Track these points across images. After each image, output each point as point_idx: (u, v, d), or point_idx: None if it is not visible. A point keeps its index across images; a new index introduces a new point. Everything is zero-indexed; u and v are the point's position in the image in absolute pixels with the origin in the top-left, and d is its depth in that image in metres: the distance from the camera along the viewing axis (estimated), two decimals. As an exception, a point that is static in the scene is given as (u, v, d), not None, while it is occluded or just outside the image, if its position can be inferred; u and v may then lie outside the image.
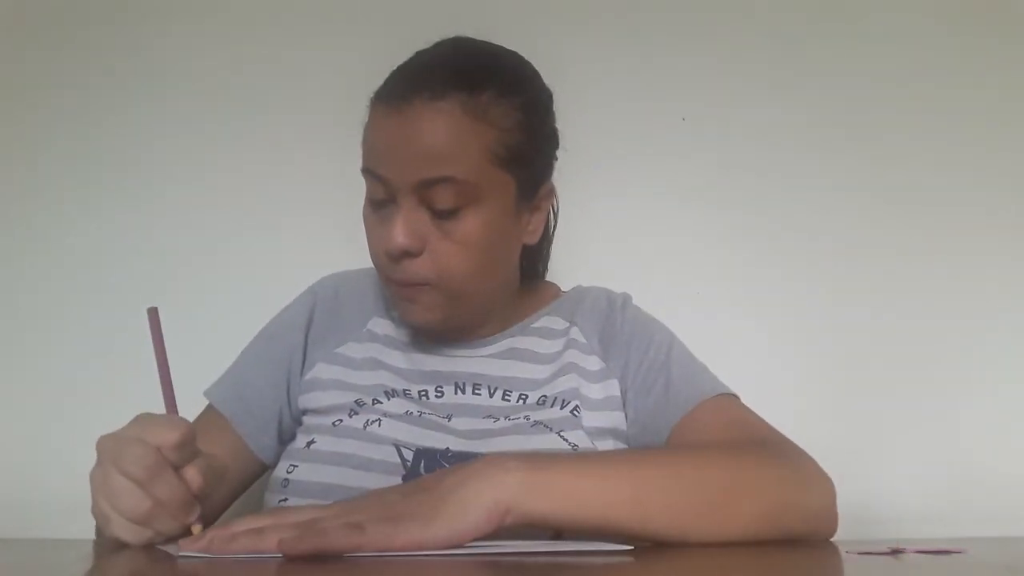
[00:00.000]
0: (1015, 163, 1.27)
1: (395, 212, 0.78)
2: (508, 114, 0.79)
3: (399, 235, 0.77)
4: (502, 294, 0.88)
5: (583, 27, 1.28)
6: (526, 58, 0.86)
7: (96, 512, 0.62)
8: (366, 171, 0.80)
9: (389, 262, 0.79)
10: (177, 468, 0.62)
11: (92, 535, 0.84)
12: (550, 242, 0.98)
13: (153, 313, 0.66)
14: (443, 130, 0.76)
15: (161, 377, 0.66)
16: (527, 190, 0.83)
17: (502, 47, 0.85)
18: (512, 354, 0.88)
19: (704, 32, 1.28)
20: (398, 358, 0.88)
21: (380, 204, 0.80)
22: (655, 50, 1.27)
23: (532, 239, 0.87)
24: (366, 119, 0.82)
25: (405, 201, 0.78)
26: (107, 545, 0.64)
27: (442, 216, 0.78)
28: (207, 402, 0.88)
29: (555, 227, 0.97)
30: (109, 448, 0.62)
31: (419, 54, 0.83)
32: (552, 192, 0.88)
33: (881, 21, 1.29)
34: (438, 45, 0.83)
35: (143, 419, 0.64)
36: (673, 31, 1.28)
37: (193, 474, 0.62)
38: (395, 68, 0.82)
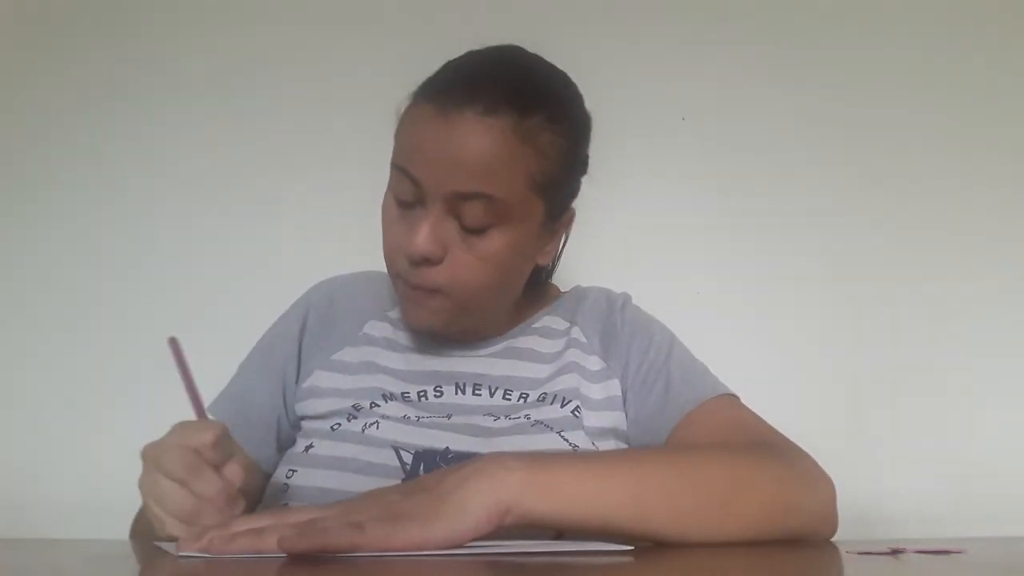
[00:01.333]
0: (1015, 166, 1.27)
1: (422, 216, 0.77)
2: (554, 141, 0.78)
3: (424, 242, 0.76)
4: (507, 305, 0.88)
5: (583, 27, 1.28)
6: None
7: (150, 516, 0.63)
8: (399, 169, 0.78)
9: (405, 263, 0.79)
10: (217, 466, 0.63)
11: (91, 535, 0.84)
12: (558, 259, 0.97)
13: (174, 343, 0.68)
14: (489, 148, 0.74)
15: (191, 399, 0.68)
16: (553, 214, 0.83)
17: (554, 66, 0.83)
18: (513, 353, 0.88)
19: (704, 32, 1.28)
20: (396, 360, 0.88)
21: (406, 204, 0.79)
22: (655, 50, 1.28)
23: (545, 260, 0.87)
24: (402, 109, 0.80)
25: (434, 207, 0.76)
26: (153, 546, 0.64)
27: (468, 230, 0.77)
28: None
29: (564, 244, 0.96)
30: (152, 455, 0.64)
31: (473, 57, 0.81)
32: (572, 217, 0.87)
33: (883, 20, 1.29)
34: (494, 52, 0.81)
35: (180, 426, 0.66)
36: (673, 31, 1.28)
37: (235, 470, 0.64)
38: (446, 66, 0.81)
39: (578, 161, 0.84)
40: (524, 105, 0.76)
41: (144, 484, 0.64)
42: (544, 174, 0.78)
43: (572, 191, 0.85)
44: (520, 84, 0.77)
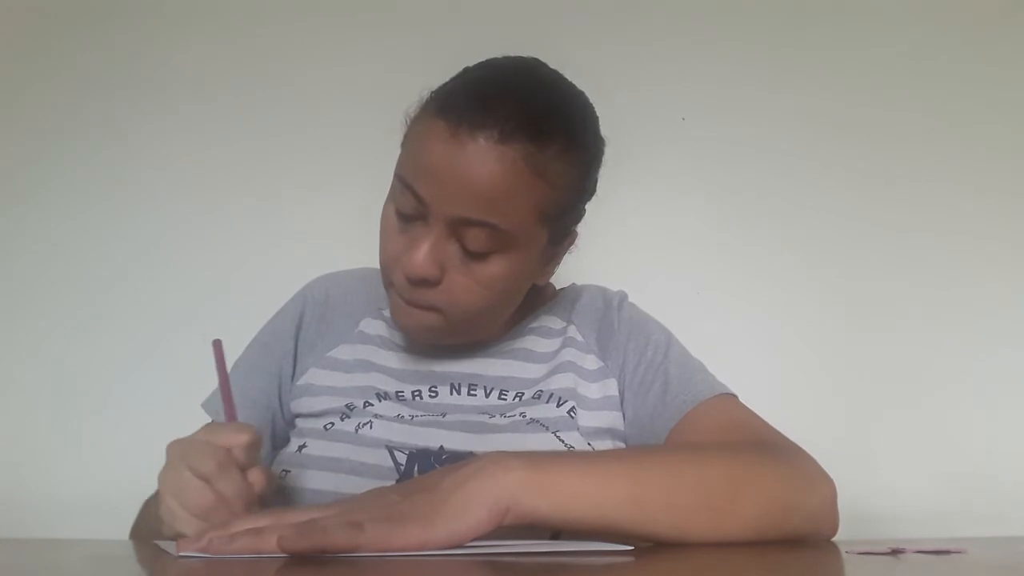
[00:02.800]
0: (1016, 166, 1.27)
1: (423, 234, 0.75)
2: (566, 172, 0.76)
3: (423, 263, 0.75)
4: (501, 321, 0.88)
5: (583, 27, 1.28)
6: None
7: (163, 511, 0.64)
8: (404, 183, 0.76)
9: (402, 278, 0.77)
10: (244, 469, 0.64)
11: (91, 535, 0.84)
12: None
13: (217, 345, 0.69)
14: (500, 178, 0.72)
15: (224, 401, 0.69)
16: (556, 240, 0.82)
17: (572, 86, 0.81)
18: (509, 354, 0.88)
19: (704, 32, 1.28)
20: (391, 358, 0.88)
21: (407, 217, 0.77)
22: (655, 50, 1.28)
23: (542, 281, 0.87)
24: (412, 113, 0.79)
25: (437, 227, 0.75)
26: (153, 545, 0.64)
27: (469, 253, 0.76)
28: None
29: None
30: (179, 450, 0.64)
31: (491, 73, 0.78)
32: (574, 239, 0.86)
33: (884, 22, 1.29)
34: (513, 68, 0.79)
35: (213, 425, 0.67)
36: (674, 31, 1.28)
37: (257, 475, 0.65)
38: (462, 79, 0.78)
39: (587, 189, 0.83)
40: (539, 134, 0.73)
41: (166, 478, 0.64)
42: (553, 205, 0.77)
43: (577, 217, 0.84)
44: (537, 110, 0.75)
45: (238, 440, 0.64)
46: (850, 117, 1.27)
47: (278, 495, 0.80)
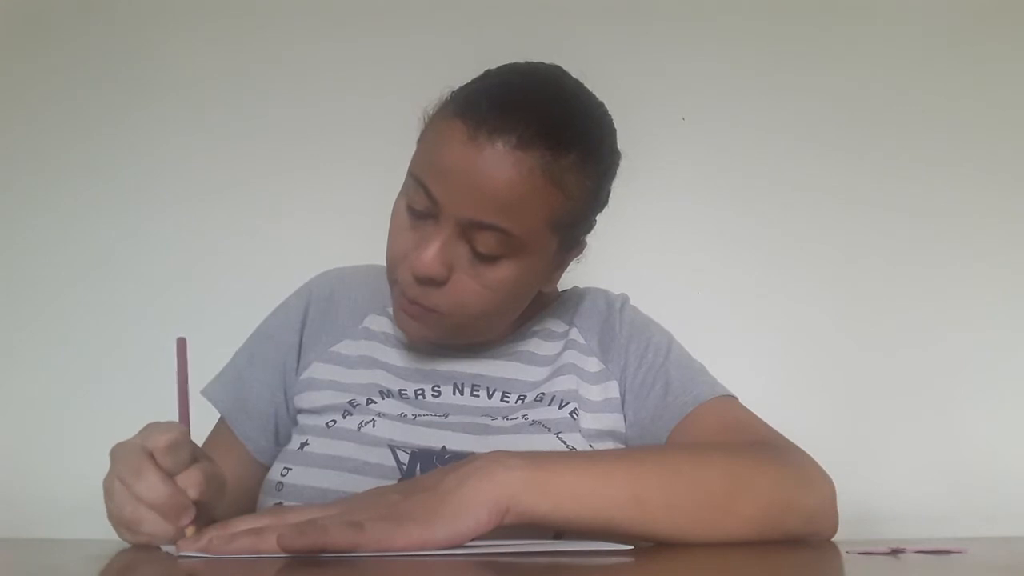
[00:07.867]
0: (1015, 169, 1.27)
1: (433, 233, 0.75)
2: (581, 183, 0.76)
3: (431, 262, 0.75)
4: (504, 325, 0.88)
5: (583, 26, 1.28)
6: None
7: (108, 516, 0.63)
8: (418, 181, 0.76)
9: (408, 276, 0.77)
10: (171, 472, 0.61)
11: (91, 535, 0.84)
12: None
13: (181, 344, 0.66)
14: (516, 184, 0.72)
15: (180, 403, 0.66)
16: (565, 249, 0.82)
17: (593, 97, 0.81)
18: (512, 356, 0.88)
19: (704, 32, 1.28)
20: (395, 356, 0.88)
21: (418, 214, 0.77)
22: (655, 50, 1.28)
23: (548, 288, 0.87)
24: (430, 111, 0.79)
25: (447, 227, 0.75)
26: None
27: (478, 256, 0.76)
28: (214, 411, 0.87)
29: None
30: (114, 454, 0.63)
31: (513, 78, 0.78)
32: (582, 249, 0.86)
33: (885, 23, 1.29)
34: (535, 74, 0.79)
35: (147, 426, 0.64)
36: (673, 31, 1.28)
37: (193, 478, 0.62)
38: (484, 82, 0.78)
39: (600, 200, 0.83)
40: (558, 143, 0.73)
41: (105, 484, 0.63)
42: (566, 214, 0.77)
43: (588, 227, 0.84)
44: (557, 119, 0.75)
45: (158, 442, 0.60)
46: (853, 118, 1.27)
47: (276, 491, 0.79)
